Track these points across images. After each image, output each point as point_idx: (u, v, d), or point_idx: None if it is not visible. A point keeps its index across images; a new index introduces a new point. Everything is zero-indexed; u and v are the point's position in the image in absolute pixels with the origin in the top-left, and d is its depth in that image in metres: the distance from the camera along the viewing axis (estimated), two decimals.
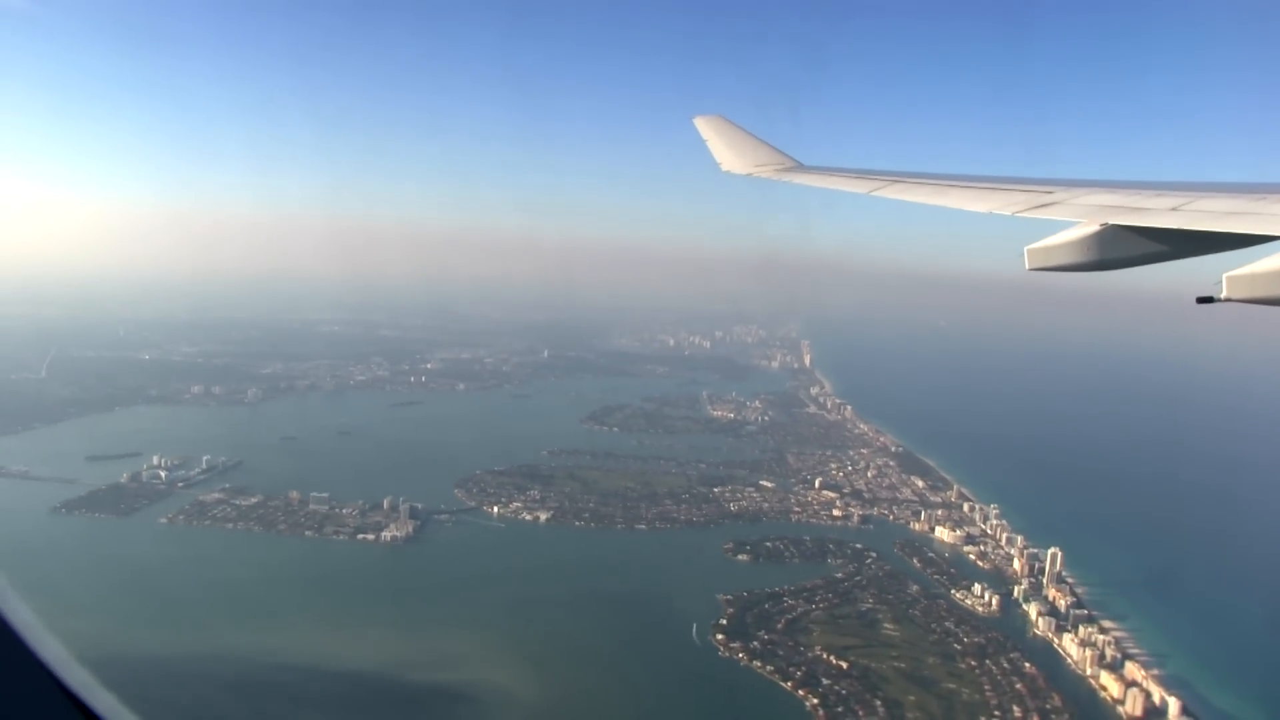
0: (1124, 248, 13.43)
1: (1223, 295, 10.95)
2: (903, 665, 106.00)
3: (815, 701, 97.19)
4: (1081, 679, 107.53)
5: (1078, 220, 14.07)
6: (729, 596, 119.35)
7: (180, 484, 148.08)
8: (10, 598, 4.91)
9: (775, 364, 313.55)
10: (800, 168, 24.08)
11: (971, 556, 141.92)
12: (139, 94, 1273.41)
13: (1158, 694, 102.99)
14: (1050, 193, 15.76)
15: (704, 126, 27.46)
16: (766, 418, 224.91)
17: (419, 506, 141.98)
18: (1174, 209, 13.38)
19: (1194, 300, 11.31)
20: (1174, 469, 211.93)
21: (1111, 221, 13.55)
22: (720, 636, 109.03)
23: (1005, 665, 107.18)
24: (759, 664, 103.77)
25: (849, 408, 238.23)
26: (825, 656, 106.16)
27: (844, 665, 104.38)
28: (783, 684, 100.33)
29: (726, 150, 26.30)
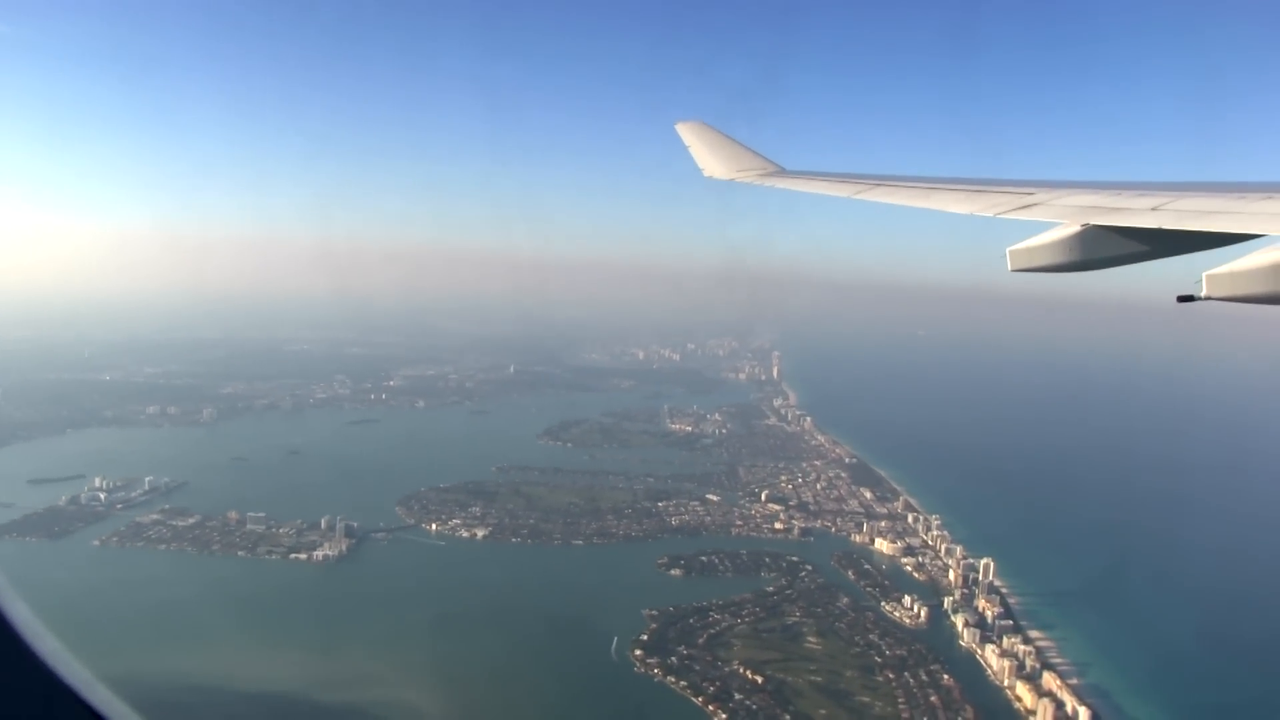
0: (1105, 248, 13.56)
1: (1203, 294, 11.14)
2: (819, 679, 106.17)
3: (724, 717, 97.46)
4: (999, 690, 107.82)
5: (1059, 221, 14.19)
6: (654, 611, 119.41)
7: (120, 506, 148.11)
8: (10, 597, 5.08)
9: (743, 376, 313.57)
10: (783, 172, 24.19)
11: (909, 568, 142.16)
12: (119, 117, 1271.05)
13: (1070, 703, 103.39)
14: (1031, 194, 15.91)
15: (686, 132, 27.56)
16: (725, 430, 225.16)
17: (354, 525, 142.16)
18: (1154, 209, 13.49)
19: (1175, 299, 11.53)
20: (1134, 475, 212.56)
21: (1092, 222, 13.66)
22: (639, 652, 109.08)
23: (924, 678, 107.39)
24: (673, 679, 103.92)
25: (809, 419, 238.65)
26: (742, 671, 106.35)
27: (759, 680, 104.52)
28: (694, 699, 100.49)
29: (709, 155, 26.38)
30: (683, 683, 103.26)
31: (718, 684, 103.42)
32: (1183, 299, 11.43)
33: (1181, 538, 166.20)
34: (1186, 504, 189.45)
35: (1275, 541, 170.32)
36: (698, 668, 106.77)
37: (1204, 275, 11.15)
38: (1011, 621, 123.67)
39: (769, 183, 23.24)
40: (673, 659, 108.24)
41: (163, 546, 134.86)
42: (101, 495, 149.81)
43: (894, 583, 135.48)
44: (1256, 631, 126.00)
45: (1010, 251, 14.41)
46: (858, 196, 19.26)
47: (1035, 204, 15.30)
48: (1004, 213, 15.28)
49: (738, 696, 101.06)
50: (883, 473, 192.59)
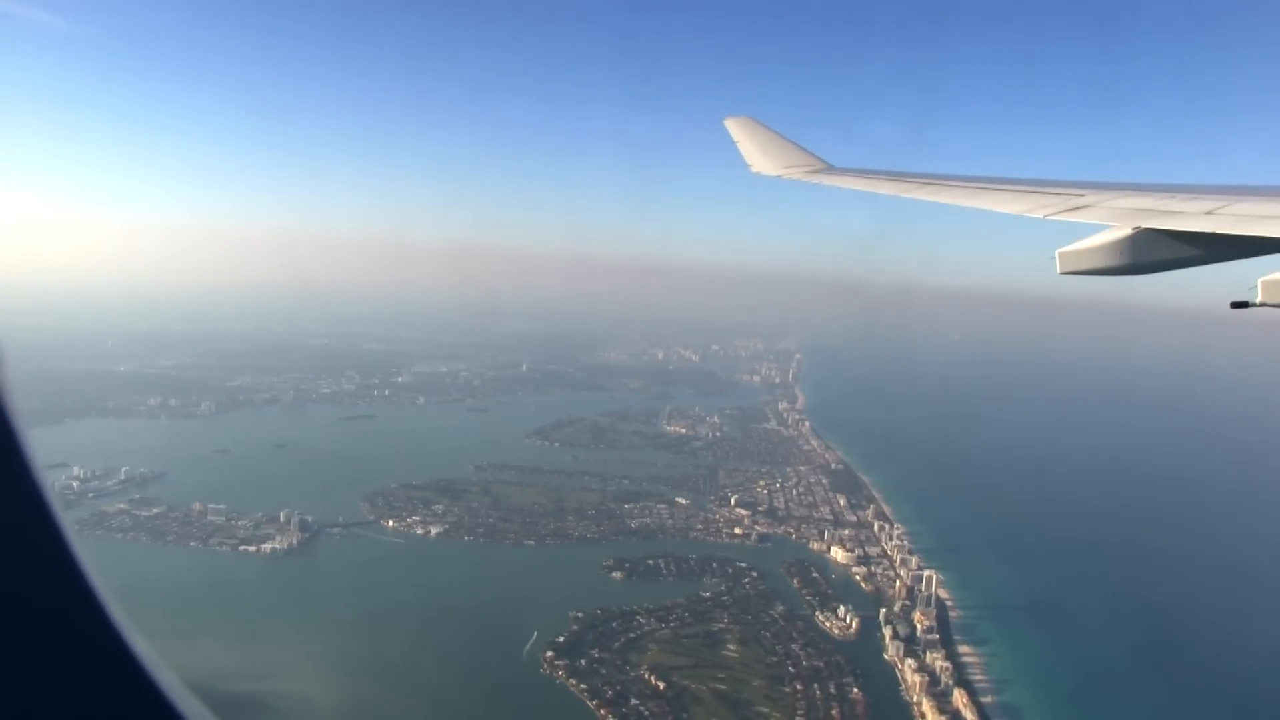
0: (1156, 251, 13.32)
1: (1258, 300, 11.04)
2: (724, 687, 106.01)
3: None
4: (906, 706, 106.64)
5: (1110, 223, 14.02)
6: (581, 614, 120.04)
7: (91, 495, 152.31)
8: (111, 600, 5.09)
9: (757, 378, 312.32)
10: (830, 169, 24.20)
11: (858, 578, 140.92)
12: (156, 107, 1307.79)
13: None
14: (1081, 195, 15.77)
15: (734, 127, 27.78)
16: (719, 433, 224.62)
17: (309, 519, 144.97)
18: (1208, 212, 13.19)
19: (1228, 305, 11.51)
20: (1139, 489, 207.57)
21: (1144, 225, 13.43)
22: (550, 653, 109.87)
23: (832, 690, 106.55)
24: (574, 682, 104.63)
25: (807, 424, 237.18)
26: (647, 676, 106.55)
27: (661, 686, 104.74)
28: (589, 703, 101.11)
29: (756, 151, 26.48)
30: (583, 686, 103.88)
31: (618, 688, 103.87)
32: (1236, 305, 11.35)
33: (1168, 556, 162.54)
34: (1187, 522, 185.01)
35: (1266, 562, 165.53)
36: (604, 671, 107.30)
37: (1259, 281, 11.00)
38: (939, 636, 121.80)
39: (815, 179, 23.38)
40: (581, 662, 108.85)
41: (120, 535, 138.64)
42: (75, 484, 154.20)
43: (838, 592, 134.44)
44: (1201, 653, 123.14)
45: (1059, 254, 14.21)
46: (905, 195, 19.21)
47: (1085, 205, 15.15)
48: (1053, 214, 15.11)
49: (634, 702, 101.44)
50: (866, 479, 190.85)
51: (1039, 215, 15.19)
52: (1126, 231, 13.47)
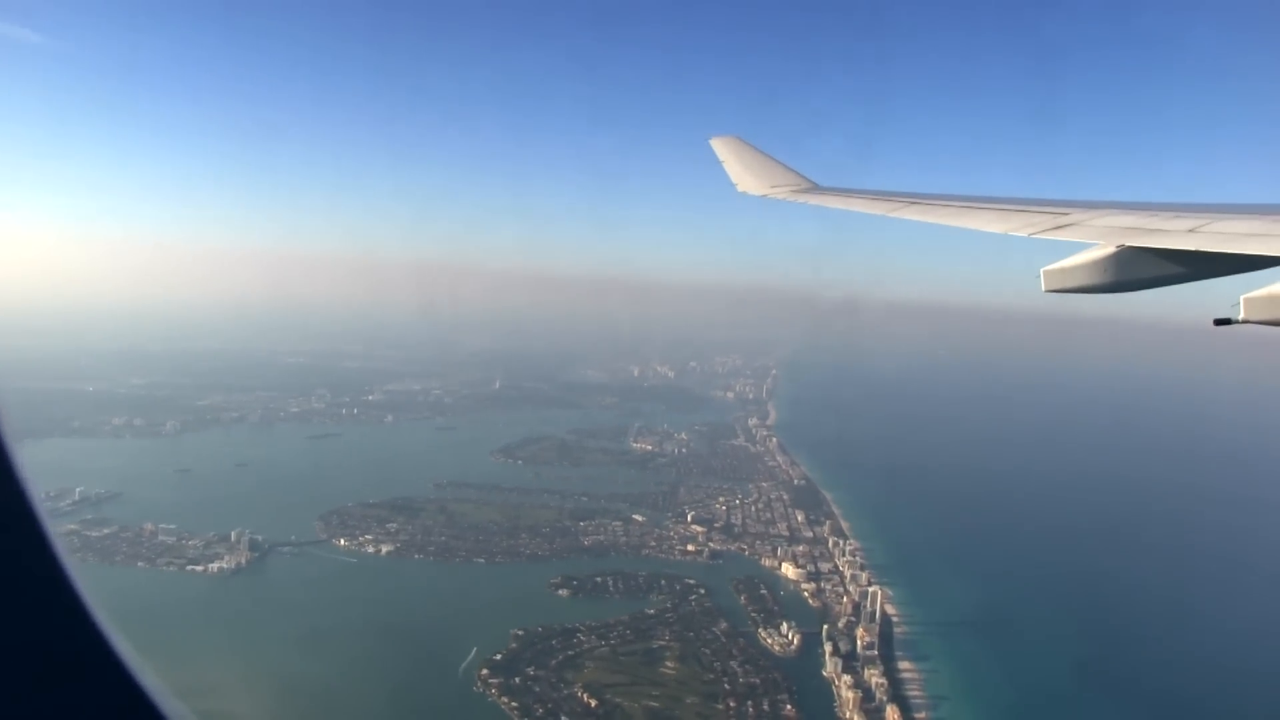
0: (1141, 269, 13.45)
1: (1240, 317, 11.11)
2: (657, 704, 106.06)
3: None
4: None
5: (1094, 241, 14.11)
6: (521, 631, 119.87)
7: None
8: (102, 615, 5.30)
9: (732, 395, 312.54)
10: (817, 189, 24.11)
11: (807, 594, 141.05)
12: (130, 125, 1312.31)
13: None
14: (1066, 214, 15.87)
15: (720, 147, 27.79)
16: (685, 450, 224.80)
17: (259, 539, 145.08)
18: (1192, 230, 13.31)
19: (1211, 322, 11.49)
20: (1100, 508, 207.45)
21: (1128, 243, 13.55)
22: (485, 671, 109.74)
23: (765, 708, 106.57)
24: (506, 699, 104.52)
25: (774, 440, 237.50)
26: (580, 694, 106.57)
27: (594, 703, 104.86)
28: None
29: (742, 171, 26.47)
30: (514, 703, 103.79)
31: (549, 706, 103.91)
32: (1219, 322, 11.41)
33: (1124, 574, 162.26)
34: (1150, 540, 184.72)
35: (1221, 577, 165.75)
36: (537, 689, 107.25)
37: (1241, 298, 11.09)
38: (879, 652, 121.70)
39: (802, 199, 23.27)
40: (516, 679, 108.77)
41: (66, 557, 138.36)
42: None
43: (784, 609, 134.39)
44: (1146, 672, 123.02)
45: (1044, 272, 14.42)
46: (892, 214, 19.29)
47: (1070, 224, 15.22)
48: (1038, 233, 15.24)
49: (562, 719, 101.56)
50: (828, 495, 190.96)
51: (1024, 234, 15.39)
52: (1111, 250, 13.67)
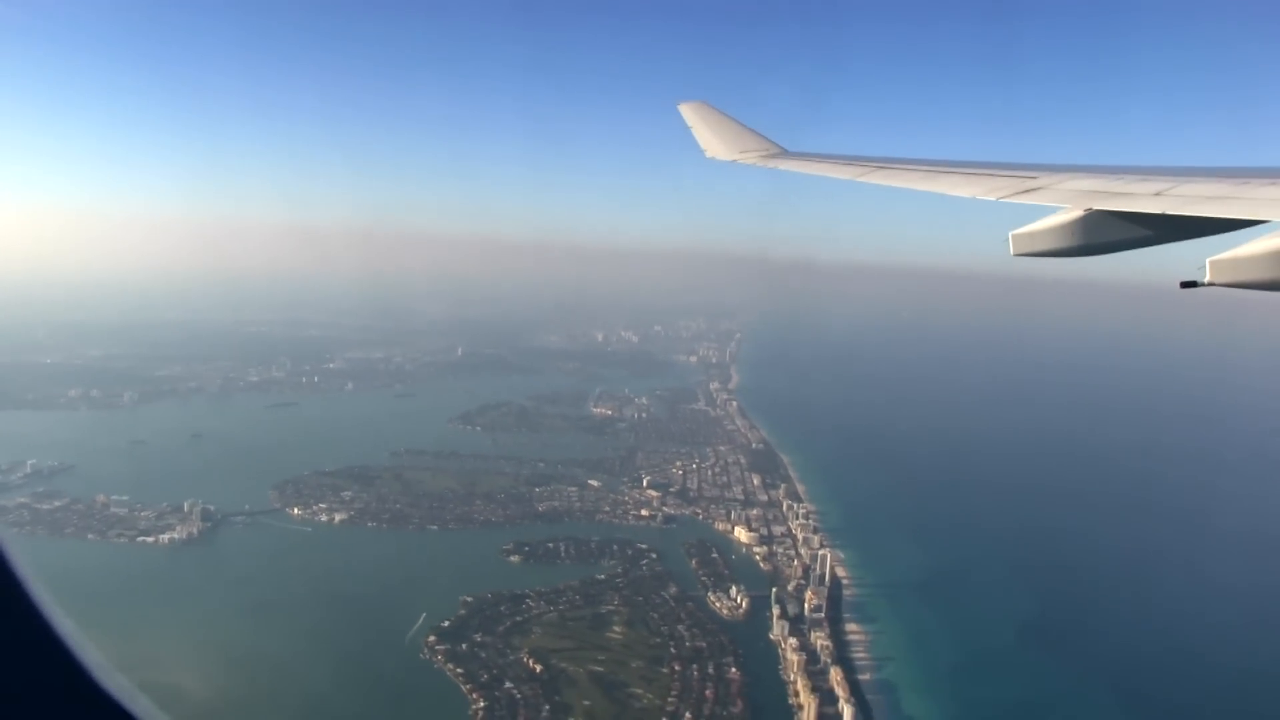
0: (1108, 233, 13.51)
1: (1206, 280, 11.13)
2: (602, 669, 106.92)
3: (484, 705, 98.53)
4: (784, 685, 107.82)
5: (1062, 205, 14.16)
6: (470, 598, 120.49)
7: None
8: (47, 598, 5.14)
9: (695, 359, 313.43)
10: (785, 154, 24.10)
11: (758, 558, 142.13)
12: (73, 95, 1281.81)
13: (842, 698, 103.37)
14: (1034, 178, 15.90)
15: (688, 113, 27.66)
16: (645, 415, 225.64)
17: (212, 509, 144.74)
18: (1157, 194, 13.46)
19: (1178, 285, 11.53)
20: (1056, 468, 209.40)
21: (1095, 206, 13.61)
22: (432, 638, 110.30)
23: (710, 670, 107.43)
24: (452, 666, 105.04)
25: (735, 404, 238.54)
26: (526, 660, 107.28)
27: (539, 668, 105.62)
28: (464, 686, 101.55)
29: (711, 136, 26.41)
30: (459, 670, 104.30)
31: (494, 672, 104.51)
32: (1186, 285, 11.46)
33: (1076, 535, 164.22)
34: (1103, 500, 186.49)
35: (1183, 535, 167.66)
36: (483, 655, 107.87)
37: (1207, 261, 11.14)
38: (825, 614, 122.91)
39: (771, 164, 23.29)
40: (463, 645, 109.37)
41: (17, 530, 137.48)
42: None
43: (734, 572, 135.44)
44: (1090, 632, 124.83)
45: (1013, 235, 14.45)
46: (860, 179, 19.31)
47: (1038, 188, 15.30)
48: (1006, 196, 15.33)
49: (507, 685, 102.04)
50: (785, 459, 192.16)
51: (992, 198, 15.49)
52: (1078, 213, 13.74)
